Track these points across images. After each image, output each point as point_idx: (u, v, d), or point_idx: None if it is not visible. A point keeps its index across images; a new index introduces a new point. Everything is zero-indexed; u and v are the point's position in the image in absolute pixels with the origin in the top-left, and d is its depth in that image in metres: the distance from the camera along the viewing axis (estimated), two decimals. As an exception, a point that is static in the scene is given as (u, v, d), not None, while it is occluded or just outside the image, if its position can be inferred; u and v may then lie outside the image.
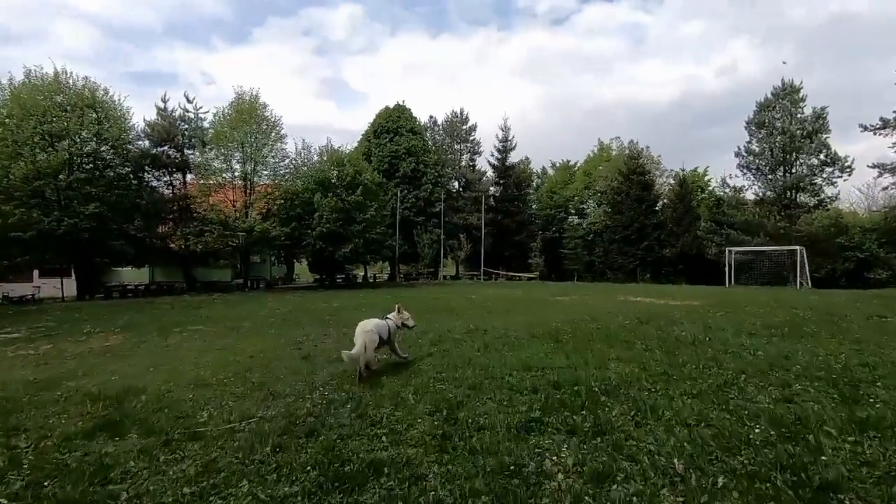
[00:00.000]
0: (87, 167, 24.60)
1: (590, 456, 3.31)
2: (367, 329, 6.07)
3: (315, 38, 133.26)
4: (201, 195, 28.23)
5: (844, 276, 32.56)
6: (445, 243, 40.40)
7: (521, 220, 46.41)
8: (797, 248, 27.97)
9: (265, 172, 29.64)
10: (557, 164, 56.55)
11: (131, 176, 26.83)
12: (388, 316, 6.84)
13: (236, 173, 29.14)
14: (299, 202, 28.17)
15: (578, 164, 55.08)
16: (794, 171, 34.54)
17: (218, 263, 31.44)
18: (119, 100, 26.69)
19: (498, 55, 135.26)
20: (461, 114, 48.00)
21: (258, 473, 3.21)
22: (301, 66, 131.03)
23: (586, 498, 2.82)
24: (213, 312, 15.79)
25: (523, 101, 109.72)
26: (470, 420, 3.98)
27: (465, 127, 47.96)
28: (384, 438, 3.66)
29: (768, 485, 2.89)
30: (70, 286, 27.49)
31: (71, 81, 25.52)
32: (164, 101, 29.36)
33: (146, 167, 27.63)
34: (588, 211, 52.89)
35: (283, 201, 28.50)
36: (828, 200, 34.35)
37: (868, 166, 32.81)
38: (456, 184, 48.41)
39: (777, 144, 34.53)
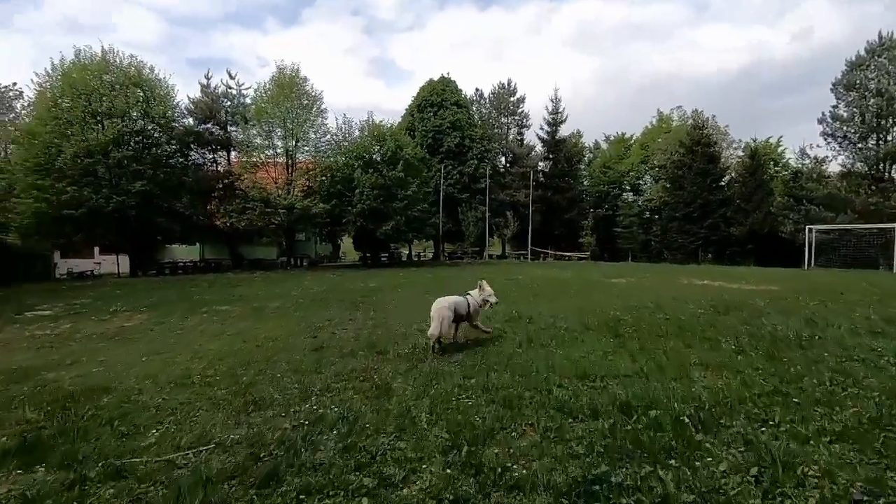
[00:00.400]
0: (135, 145, 24.82)
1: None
2: (441, 306, 6.10)
3: (363, 17, 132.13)
4: (244, 172, 28.07)
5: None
6: (491, 221, 38.80)
7: (571, 196, 43.93)
8: (893, 226, 24.41)
9: (306, 148, 29.08)
10: (611, 138, 52.97)
11: (177, 154, 26.99)
12: (470, 293, 6.75)
13: (278, 150, 28.76)
14: (340, 178, 27.45)
15: (635, 137, 51.37)
16: (889, 138, 30.19)
17: (262, 241, 31.51)
18: (165, 78, 26.75)
19: (549, 27, 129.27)
20: (508, 85, 45.64)
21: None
22: (350, 46, 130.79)
23: None
24: (247, 291, 15.29)
25: (575, 73, 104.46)
26: (499, 469, 2.70)
27: (512, 99, 45.57)
28: (365, 501, 2.45)
29: None
30: (126, 263, 28.30)
31: (118, 60, 25.70)
32: (208, 77, 29.29)
33: (191, 144, 27.69)
34: (644, 187, 49.45)
35: (324, 178, 27.88)
36: (931, 172, 29.93)
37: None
38: (503, 159, 46.38)
39: (870, 109, 30.19)
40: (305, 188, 27.90)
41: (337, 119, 40.65)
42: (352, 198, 26.81)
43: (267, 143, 28.36)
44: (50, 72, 24.51)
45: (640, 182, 49.54)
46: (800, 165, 34.57)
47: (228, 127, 29.04)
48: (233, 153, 29.54)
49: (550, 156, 45.36)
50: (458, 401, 3.94)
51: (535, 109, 77.37)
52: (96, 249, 32.13)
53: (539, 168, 45.38)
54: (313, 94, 28.81)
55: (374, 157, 28.20)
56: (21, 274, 28.51)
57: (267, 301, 12.43)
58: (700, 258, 35.56)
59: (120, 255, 28.59)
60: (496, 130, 45.22)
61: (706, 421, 3.32)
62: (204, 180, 27.43)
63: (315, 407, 3.88)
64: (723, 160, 39.86)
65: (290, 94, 27.86)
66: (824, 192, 31.25)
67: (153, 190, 24.25)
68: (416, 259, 39.54)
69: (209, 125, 28.46)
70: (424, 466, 2.78)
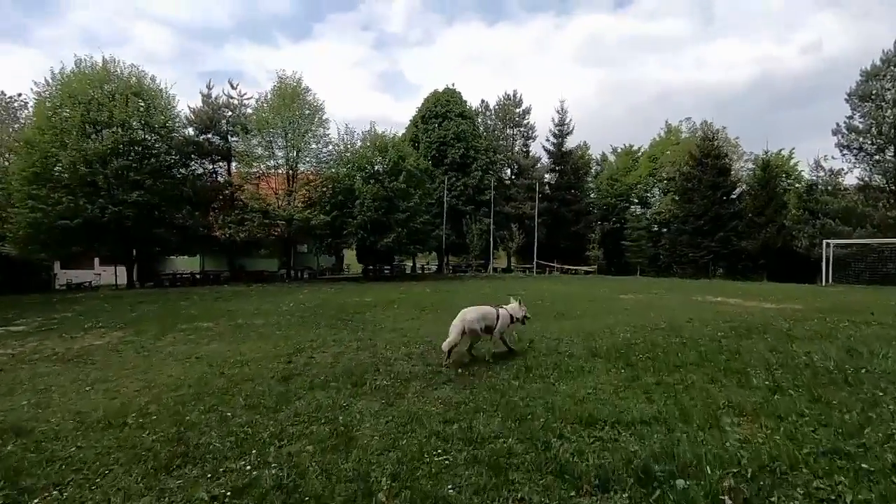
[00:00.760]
0: (133, 155, 24.41)
1: None
2: (466, 318, 6.02)
3: (373, 31, 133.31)
4: (244, 183, 27.62)
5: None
6: (496, 234, 38.05)
7: (578, 209, 43.10)
8: (916, 241, 23.42)
9: (308, 159, 28.57)
10: (619, 150, 52.33)
11: (177, 164, 26.58)
12: (504, 306, 6.61)
13: (279, 161, 28.28)
14: (341, 189, 26.90)
15: (642, 150, 50.67)
16: (908, 150, 29.24)
17: (260, 252, 30.95)
18: (166, 88, 26.46)
19: (556, 42, 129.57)
20: (514, 96, 45.17)
21: None
22: (359, 60, 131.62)
23: None
24: (236, 306, 14.58)
25: (583, 88, 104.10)
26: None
27: (518, 110, 45.07)
28: None
29: None
30: (125, 274, 27.73)
31: (119, 70, 25.44)
32: (209, 87, 29.04)
33: (191, 155, 27.30)
34: (653, 200, 48.64)
35: (325, 189, 27.33)
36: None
37: None
38: (508, 171, 45.76)
39: (887, 120, 29.29)
40: (306, 199, 27.34)
41: (339, 129, 40.13)
42: (353, 209, 26.23)
43: (268, 153, 27.90)
44: (49, 81, 24.27)
45: (649, 195, 48.75)
46: (814, 178, 33.62)
47: (229, 137, 28.65)
48: (233, 164, 29.10)
49: (557, 168, 44.68)
50: (432, 459, 3.14)
51: (542, 122, 77.06)
52: (96, 260, 31.73)
53: (545, 180, 44.70)
54: (315, 103, 28.38)
55: (376, 167, 27.66)
56: (20, 285, 28.17)
57: (253, 317, 11.71)
58: (711, 273, 34.49)
59: (120, 266, 28.13)
60: (501, 142, 44.68)
61: (752, 502, 2.50)
62: (203, 191, 26.98)
63: (251, 466, 3.10)
64: (733, 172, 38.96)
65: (291, 103, 27.43)
66: (840, 205, 30.26)
67: (151, 200, 23.79)
68: (419, 272, 38.80)
69: (209, 135, 28.08)
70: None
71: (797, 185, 38.10)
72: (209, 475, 3.00)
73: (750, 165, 42.64)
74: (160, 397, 4.86)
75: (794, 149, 40.92)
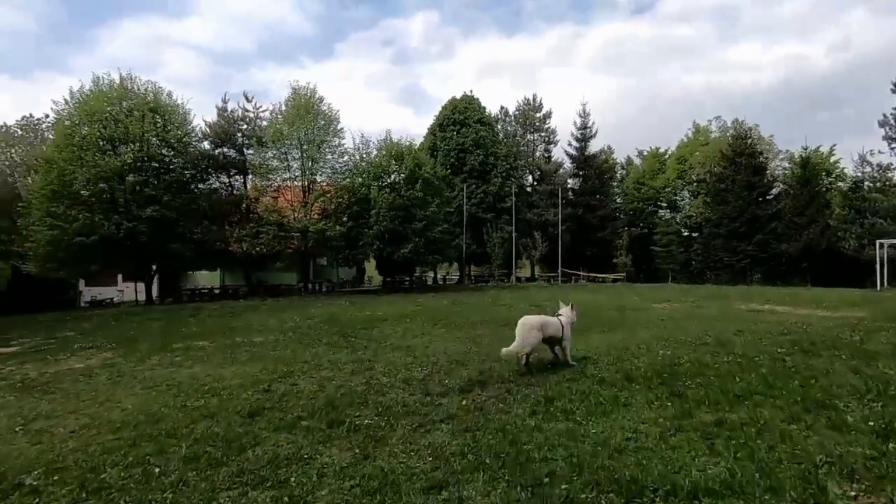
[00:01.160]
0: (149, 171, 24.31)
1: None
2: (526, 325, 5.95)
3: (394, 47, 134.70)
4: (259, 196, 27.27)
5: None
6: (518, 242, 36.75)
7: (603, 214, 41.45)
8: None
9: (324, 170, 28.07)
10: (645, 153, 50.51)
11: (193, 178, 26.41)
12: (560, 312, 6.46)
13: (295, 172, 27.86)
14: (356, 199, 26.24)
15: (670, 152, 48.75)
16: (966, 141, 26.94)
17: (275, 266, 30.52)
18: (182, 103, 26.45)
19: (575, 51, 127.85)
20: (534, 100, 44.04)
21: None
22: (381, 75, 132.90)
23: None
24: (242, 322, 13.84)
25: (605, 96, 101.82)
26: None
27: (538, 115, 43.89)
28: None
29: None
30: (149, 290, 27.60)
31: (136, 87, 25.52)
32: (225, 101, 28.91)
33: (207, 169, 27.13)
34: (682, 203, 46.59)
35: (340, 200, 26.71)
36: None
37: None
38: (529, 177, 44.53)
39: (941, 108, 27.13)
40: (321, 211, 26.78)
41: (354, 139, 39.75)
42: (368, 220, 25.51)
43: (283, 165, 27.52)
44: (68, 99, 24.47)
45: (678, 198, 46.76)
46: (860, 174, 31.33)
47: (245, 150, 28.43)
48: (249, 177, 28.83)
49: (580, 172, 43.16)
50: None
51: (563, 129, 75.52)
52: (119, 277, 31.89)
53: (568, 185, 43.24)
54: (330, 114, 27.91)
55: (392, 176, 26.94)
56: (46, 302, 28.38)
57: (254, 334, 10.90)
58: (748, 278, 32.40)
59: (148, 282, 28.04)
60: (522, 148, 43.54)
61: None
62: (218, 205, 26.69)
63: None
64: (769, 171, 36.82)
65: (305, 114, 27.03)
66: (891, 203, 28.00)
67: (167, 215, 23.55)
68: (440, 283, 37.81)
69: (224, 148, 27.90)
70: None
71: (840, 182, 35.68)
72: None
73: (786, 164, 40.37)
74: (91, 442, 3.97)
75: (834, 145, 38.39)
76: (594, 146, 43.91)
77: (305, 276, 30.32)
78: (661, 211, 46.83)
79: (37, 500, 2.96)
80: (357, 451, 3.51)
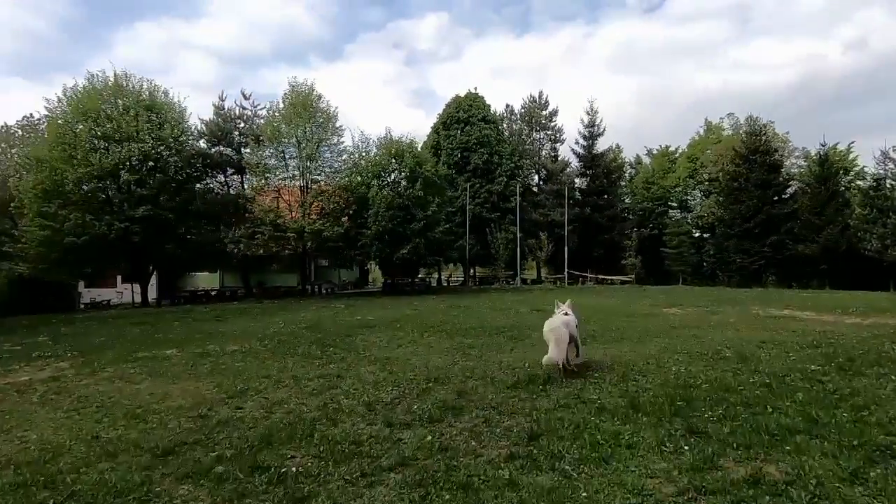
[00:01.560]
0: (143, 170, 23.70)
1: None
2: (553, 327, 5.65)
3: (404, 49, 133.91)
4: (256, 195, 26.58)
5: None
6: (524, 243, 35.76)
7: (611, 214, 40.32)
8: None
9: (322, 169, 27.31)
10: (654, 152, 49.25)
11: (188, 178, 25.76)
12: (566, 311, 6.09)
13: (294, 171, 27.14)
14: (355, 199, 25.46)
15: (680, 150, 47.48)
16: None
17: (273, 268, 29.86)
18: (179, 101, 25.86)
19: (586, 50, 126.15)
20: (540, 98, 43.05)
21: None
22: (392, 77, 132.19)
23: None
24: (223, 327, 13.06)
25: (615, 96, 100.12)
26: None
27: (544, 112, 42.89)
28: None
29: None
30: (148, 291, 26.95)
31: (131, 85, 24.95)
32: (222, 99, 28.33)
33: (202, 168, 26.48)
34: (693, 203, 45.35)
35: (338, 200, 25.93)
36: None
37: None
38: (536, 177, 43.52)
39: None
40: (320, 211, 26.01)
41: (354, 137, 38.92)
42: (367, 220, 24.70)
43: (280, 164, 26.82)
44: (61, 97, 23.94)
45: (689, 198, 45.54)
46: (882, 172, 29.93)
47: (242, 149, 27.77)
48: (246, 176, 28.17)
49: (588, 171, 42.07)
50: None
51: (570, 130, 74.36)
52: (118, 278, 31.36)
53: (575, 185, 42.13)
54: (328, 111, 27.16)
55: (392, 175, 26.14)
56: (45, 305, 27.79)
57: (229, 342, 10.07)
58: (763, 280, 31.11)
59: (144, 283, 27.44)
60: (528, 146, 42.52)
61: None
62: (214, 204, 26.01)
63: None
64: (784, 169, 35.48)
65: (303, 112, 26.31)
66: (916, 201, 26.65)
67: (160, 215, 22.89)
68: (444, 285, 36.89)
69: (221, 147, 27.26)
70: None
71: (860, 181, 34.25)
72: None
73: (802, 162, 38.99)
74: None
75: (853, 142, 36.92)
76: (602, 145, 42.84)
77: (305, 277, 29.58)
78: (671, 211, 45.64)
79: None
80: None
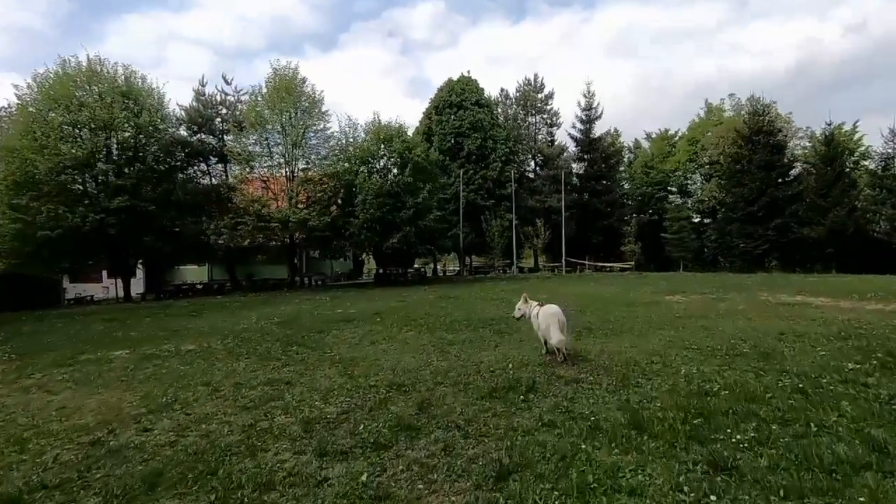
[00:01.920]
0: (119, 159, 22.60)
1: None
2: (552, 312, 5.60)
3: (399, 37, 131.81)
4: (239, 184, 25.48)
5: None
6: (520, 230, 34.71)
7: (610, 200, 39.23)
8: None
9: (308, 156, 26.17)
10: (654, 135, 48.05)
11: (167, 167, 24.63)
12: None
13: (279, 159, 25.99)
14: (343, 186, 24.39)
15: (680, 133, 46.32)
16: None
17: (258, 259, 28.89)
18: (157, 87, 24.65)
19: (583, 36, 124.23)
20: (535, 80, 41.71)
21: None
22: (387, 66, 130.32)
23: None
24: (194, 323, 12.09)
25: (613, 82, 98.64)
26: None
27: (539, 96, 41.57)
28: None
29: None
30: (134, 286, 25.92)
31: (105, 70, 23.72)
32: (203, 84, 27.09)
33: (182, 156, 25.33)
34: (694, 187, 44.26)
35: (326, 187, 24.82)
36: None
37: None
38: (531, 162, 42.35)
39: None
40: (306, 199, 24.93)
41: (341, 122, 37.71)
42: (354, 208, 23.65)
43: (264, 151, 25.67)
44: (31, 83, 22.73)
45: (689, 182, 44.45)
46: (890, 151, 28.85)
47: (224, 136, 26.60)
48: (229, 165, 27.03)
49: (585, 156, 40.87)
50: None
51: (567, 114, 72.91)
52: (104, 273, 30.41)
53: (572, 170, 40.98)
54: (313, 95, 25.95)
55: (381, 161, 25.05)
56: (30, 301, 26.70)
57: (188, 341, 9.13)
58: (766, 265, 30.17)
59: (126, 277, 26.44)
60: (523, 131, 41.28)
61: None
62: (195, 194, 24.91)
63: None
64: (788, 150, 34.36)
65: (287, 96, 25.11)
66: (925, 180, 25.64)
67: (140, 206, 21.83)
68: (440, 275, 35.93)
69: (202, 134, 26.09)
70: None
71: (866, 161, 33.18)
72: None
73: (806, 143, 37.87)
74: None
75: (858, 121, 35.74)
76: (600, 128, 41.61)
77: (294, 269, 28.57)
78: (671, 196, 44.57)
79: None
80: None
